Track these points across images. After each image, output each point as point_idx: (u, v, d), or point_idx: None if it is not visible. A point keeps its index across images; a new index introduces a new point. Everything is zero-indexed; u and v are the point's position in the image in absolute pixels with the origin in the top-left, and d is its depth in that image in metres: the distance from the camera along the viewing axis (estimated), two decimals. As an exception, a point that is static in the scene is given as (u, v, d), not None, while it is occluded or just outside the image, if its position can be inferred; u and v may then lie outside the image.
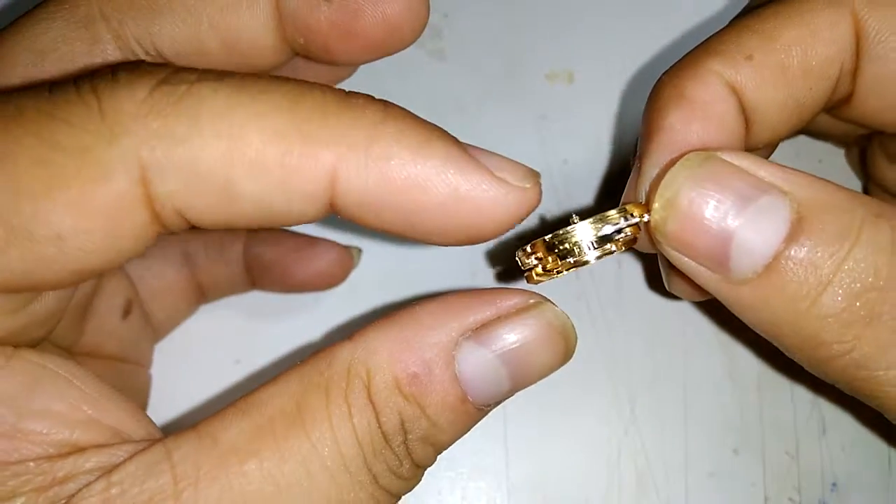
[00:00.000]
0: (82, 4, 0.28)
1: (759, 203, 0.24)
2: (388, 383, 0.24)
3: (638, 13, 0.44)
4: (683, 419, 0.39)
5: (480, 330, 0.25)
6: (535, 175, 0.24)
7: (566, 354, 0.26)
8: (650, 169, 0.27)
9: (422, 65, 0.43)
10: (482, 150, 0.24)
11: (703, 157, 0.25)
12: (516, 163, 0.24)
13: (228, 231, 0.38)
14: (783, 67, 0.28)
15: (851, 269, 0.24)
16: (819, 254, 0.24)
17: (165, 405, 0.38)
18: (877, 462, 0.39)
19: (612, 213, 0.26)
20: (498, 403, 0.26)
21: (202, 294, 0.38)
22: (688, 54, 0.29)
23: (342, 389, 0.24)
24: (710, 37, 0.29)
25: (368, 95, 0.23)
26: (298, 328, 0.40)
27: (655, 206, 0.25)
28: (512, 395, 0.26)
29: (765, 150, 0.34)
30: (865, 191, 0.41)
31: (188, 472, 0.23)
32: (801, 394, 0.39)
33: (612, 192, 0.42)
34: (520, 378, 0.25)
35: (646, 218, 0.26)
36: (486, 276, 0.41)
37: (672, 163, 0.26)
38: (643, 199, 0.27)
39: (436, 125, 0.23)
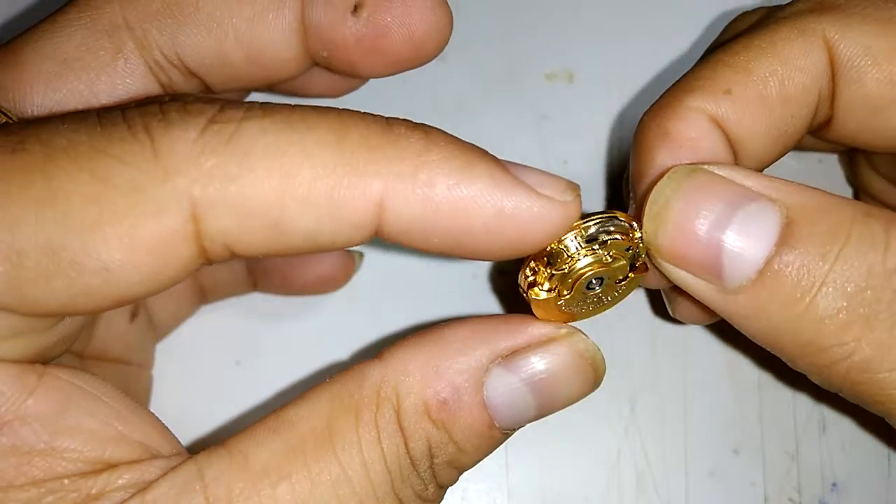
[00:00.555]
0: (106, 12, 0.28)
1: (748, 209, 0.24)
2: (417, 408, 0.24)
3: (638, 13, 0.44)
4: (683, 419, 0.39)
5: (510, 357, 0.25)
6: (575, 188, 0.24)
7: (594, 384, 0.26)
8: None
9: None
10: (522, 166, 0.24)
11: (690, 169, 0.25)
12: (556, 177, 0.24)
13: None
14: (762, 98, 0.28)
15: (844, 270, 0.24)
16: (811, 256, 0.24)
17: (165, 405, 0.38)
18: (877, 462, 0.39)
19: (596, 213, 0.26)
20: (521, 427, 0.26)
21: (203, 295, 0.38)
22: (666, 93, 0.29)
23: (372, 413, 0.24)
24: (686, 74, 0.29)
25: (408, 121, 0.23)
26: (299, 329, 0.40)
27: (645, 220, 0.25)
28: (537, 420, 0.26)
29: None
30: (856, 196, 0.41)
31: (220, 494, 0.23)
32: (802, 393, 0.39)
33: (613, 192, 0.42)
34: (546, 405, 0.26)
35: (637, 233, 0.26)
36: (486, 276, 0.41)
37: (659, 177, 0.26)
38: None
39: (476, 146, 0.23)
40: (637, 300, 0.40)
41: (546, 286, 0.25)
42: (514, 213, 0.23)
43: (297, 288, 0.38)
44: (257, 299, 0.40)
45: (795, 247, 0.24)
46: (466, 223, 0.23)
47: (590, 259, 0.25)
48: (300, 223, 0.22)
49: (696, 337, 0.40)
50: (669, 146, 0.27)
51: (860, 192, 0.39)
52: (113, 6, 0.28)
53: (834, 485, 0.38)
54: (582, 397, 0.26)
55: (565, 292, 0.25)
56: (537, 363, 0.25)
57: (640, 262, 0.26)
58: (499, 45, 0.43)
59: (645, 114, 0.29)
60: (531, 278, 0.26)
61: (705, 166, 0.25)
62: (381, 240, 0.23)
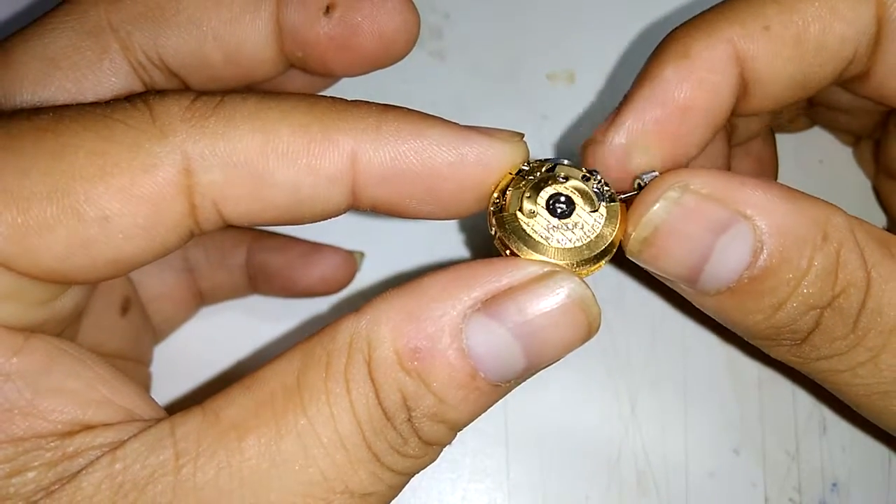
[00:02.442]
0: (92, 14, 0.30)
1: (726, 236, 0.25)
2: (388, 358, 0.23)
3: (639, 13, 0.44)
4: (683, 419, 0.39)
5: (491, 302, 0.24)
6: (519, 133, 0.26)
7: (588, 330, 0.25)
8: (629, 114, 0.29)
9: (422, 65, 0.43)
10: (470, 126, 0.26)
11: (679, 193, 0.25)
12: (502, 129, 0.26)
13: (231, 237, 0.38)
14: (798, 41, 0.28)
15: (803, 297, 0.25)
16: (777, 281, 0.25)
17: (165, 404, 0.38)
18: (877, 462, 0.39)
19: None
20: (519, 380, 0.25)
21: (201, 299, 0.39)
22: (705, 14, 0.29)
23: (342, 364, 0.24)
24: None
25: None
26: (300, 328, 0.40)
27: (632, 238, 0.26)
28: (532, 372, 0.25)
29: (760, 119, 0.35)
30: (875, 187, 0.41)
31: (189, 449, 0.23)
32: (802, 393, 0.40)
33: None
34: (536, 355, 0.24)
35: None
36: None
37: (652, 191, 0.26)
38: (611, 144, 0.28)
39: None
40: (639, 301, 0.41)
41: (510, 207, 0.26)
42: (473, 152, 0.25)
43: (300, 290, 0.38)
44: (258, 299, 0.40)
45: (763, 271, 0.25)
46: (433, 165, 0.25)
47: (544, 176, 0.26)
48: (281, 176, 0.24)
49: (696, 337, 0.40)
50: (681, 66, 0.28)
51: (880, 176, 0.39)
52: (98, 9, 0.30)
53: (834, 485, 0.39)
54: (575, 345, 0.25)
55: (529, 207, 0.25)
56: (520, 308, 0.24)
57: (613, 202, 0.26)
58: (499, 45, 0.43)
59: (677, 28, 0.30)
60: (497, 204, 0.26)
61: (692, 186, 0.25)
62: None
